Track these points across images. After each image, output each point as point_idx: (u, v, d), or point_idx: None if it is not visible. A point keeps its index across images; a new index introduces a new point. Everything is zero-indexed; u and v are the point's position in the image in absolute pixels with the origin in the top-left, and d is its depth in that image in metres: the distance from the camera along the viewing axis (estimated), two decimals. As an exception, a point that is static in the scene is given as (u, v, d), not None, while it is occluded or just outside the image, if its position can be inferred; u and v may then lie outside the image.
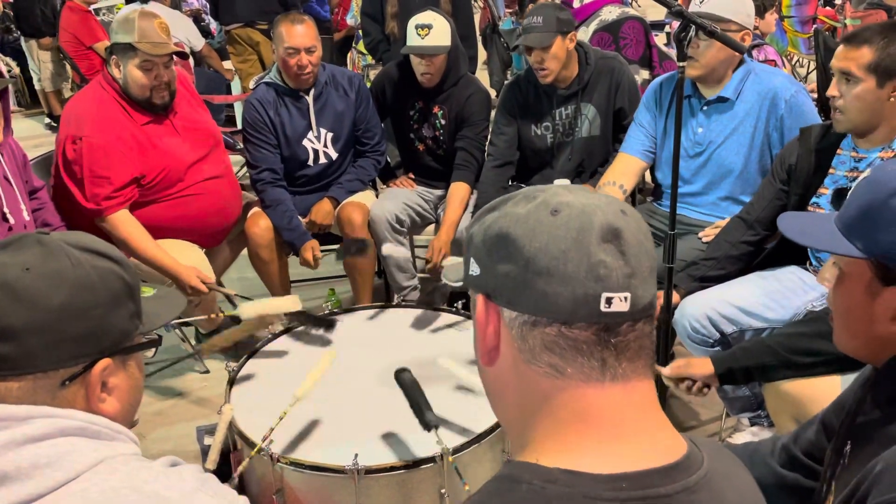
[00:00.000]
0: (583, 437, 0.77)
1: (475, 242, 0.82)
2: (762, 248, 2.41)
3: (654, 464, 0.76)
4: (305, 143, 3.22)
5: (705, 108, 2.69)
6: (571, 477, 0.74)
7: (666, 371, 1.99)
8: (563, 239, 0.75)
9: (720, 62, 2.58)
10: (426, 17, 3.11)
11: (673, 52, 2.95)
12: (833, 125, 2.18)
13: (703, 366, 1.94)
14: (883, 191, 1.04)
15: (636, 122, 2.89)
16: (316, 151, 3.24)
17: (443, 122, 3.31)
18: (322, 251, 3.22)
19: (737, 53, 2.56)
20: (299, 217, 3.18)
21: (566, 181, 2.97)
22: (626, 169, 2.87)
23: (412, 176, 3.51)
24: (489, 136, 3.31)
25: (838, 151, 2.22)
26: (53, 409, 0.94)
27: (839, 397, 1.26)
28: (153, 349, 1.08)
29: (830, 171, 2.23)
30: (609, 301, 0.75)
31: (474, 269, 0.82)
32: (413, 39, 3.10)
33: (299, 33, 3.04)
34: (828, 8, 6.47)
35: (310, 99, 3.19)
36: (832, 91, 2.10)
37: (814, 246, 1.15)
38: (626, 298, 0.75)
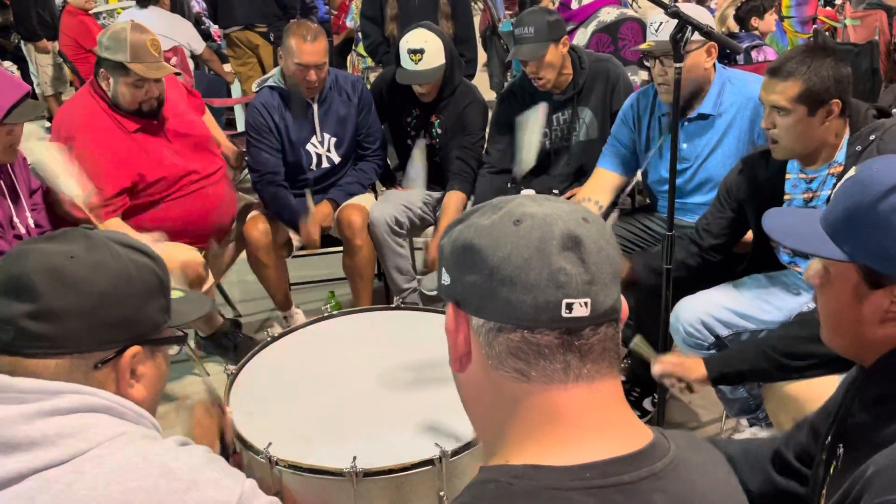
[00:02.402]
0: (549, 435, 0.80)
1: (445, 253, 0.85)
2: (725, 266, 2.41)
3: (618, 453, 0.78)
4: (309, 147, 3.22)
5: (686, 124, 2.68)
6: (536, 471, 0.77)
7: (656, 370, 1.98)
8: (525, 248, 0.78)
9: (690, 82, 2.56)
10: (417, 39, 3.07)
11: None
12: (771, 153, 2.17)
13: (695, 368, 1.94)
14: (869, 193, 1.03)
15: (613, 137, 2.88)
16: (319, 156, 3.24)
17: (439, 130, 3.31)
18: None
19: (706, 69, 2.58)
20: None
21: (532, 191, 2.99)
22: (601, 184, 2.88)
23: None
24: (485, 145, 3.31)
25: (787, 176, 2.22)
26: (83, 387, 1.02)
27: (828, 400, 1.26)
28: (178, 347, 1.17)
29: (785, 196, 2.23)
30: (569, 307, 0.77)
31: (445, 279, 0.85)
32: (406, 63, 3.08)
33: (310, 51, 3.01)
34: (828, 8, 6.47)
35: (314, 104, 3.18)
36: (765, 124, 2.11)
37: (799, 248, 1.14)
38: (586, 304, 0.78)
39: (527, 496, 0.75)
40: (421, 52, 3.05)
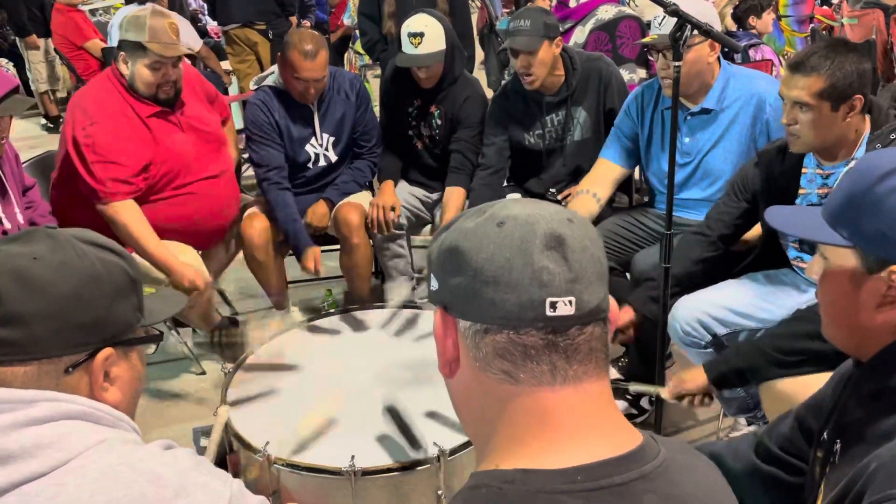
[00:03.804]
0: (539, 438, 0.80)
1: (433, 259, 0.86)
2: (725, 264, 2.39)
3: (608, 455, 0.78)
4: (308, 147, 3.21)
5: (689, 118, 2.68)
6: (528, 475, 0.77)
7: (665, 395, 2.04)
8: (507, 248, 0.79)
9: (692, 77, 2.55)
10: (418, 23, 3.07)
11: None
12: (789, 146, 2.16)
13: (696, 377, 1.97)
14: (867, 178, 1.05)
15: (617, 128, 2.88)
16: (317, 155, 3.24)
17: (439, 121, 3.30)
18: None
19: (709, 64, 2.57)
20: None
21: (517, 195, 2.99)
22: (602, 176, 2.87)
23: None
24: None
25: (803, 170, 2.21)
26: (57, 394, 0.98)
27: (815, 396, 1.26)
28: (154, 346, 1.13)
29: (801, 191, 2.22)
30: (553, 305, 0.78)
31: (433, 284, 0.85)
32: (406, 47, 3.08)
33: (310, 67, 3.00)
34: (825, 7, 6.47)
35: (314, 106, 3.18)
36: (787, 119, 2.08)
37: (799, 235, 1.16)
38: (570, 302, 0.78)
39: (519, 501, 0.75)
40: (421, 35, 3.04)
